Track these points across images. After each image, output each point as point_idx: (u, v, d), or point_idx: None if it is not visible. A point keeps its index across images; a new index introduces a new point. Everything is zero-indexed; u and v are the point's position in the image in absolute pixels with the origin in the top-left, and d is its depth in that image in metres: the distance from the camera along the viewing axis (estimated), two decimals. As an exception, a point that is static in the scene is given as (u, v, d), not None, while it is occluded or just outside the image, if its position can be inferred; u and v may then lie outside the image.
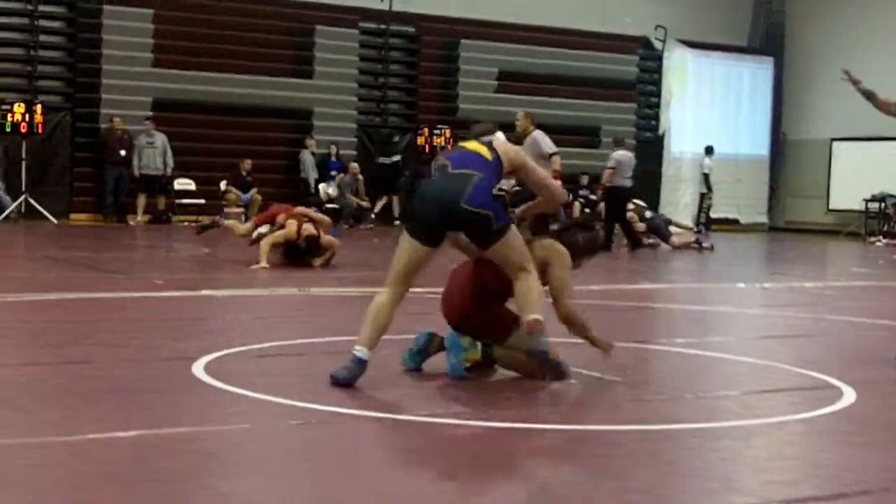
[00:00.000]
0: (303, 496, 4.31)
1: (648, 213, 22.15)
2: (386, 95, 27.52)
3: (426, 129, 26.10)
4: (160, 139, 23.54)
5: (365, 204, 24.94)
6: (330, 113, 25.87)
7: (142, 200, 23.64)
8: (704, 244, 21.47)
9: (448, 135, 26.08)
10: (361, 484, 4.47)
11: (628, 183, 19.79)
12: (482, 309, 6.83)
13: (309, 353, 7.68)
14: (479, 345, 6.85)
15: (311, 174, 25.19)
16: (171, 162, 23.66)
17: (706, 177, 29.05)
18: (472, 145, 6.73)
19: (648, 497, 4.41)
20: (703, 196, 29.29)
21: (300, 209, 14.65)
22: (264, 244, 13.79)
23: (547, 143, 14.18)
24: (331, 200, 24.61)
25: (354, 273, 13.66)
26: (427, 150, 26.05)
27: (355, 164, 25.24)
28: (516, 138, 13.87)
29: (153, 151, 23.54)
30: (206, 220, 14.70)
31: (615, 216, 19.94)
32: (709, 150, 29.41)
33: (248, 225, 14.64)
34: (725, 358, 7.29)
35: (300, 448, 5.12)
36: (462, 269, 7.12)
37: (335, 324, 9.57)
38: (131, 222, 23.35)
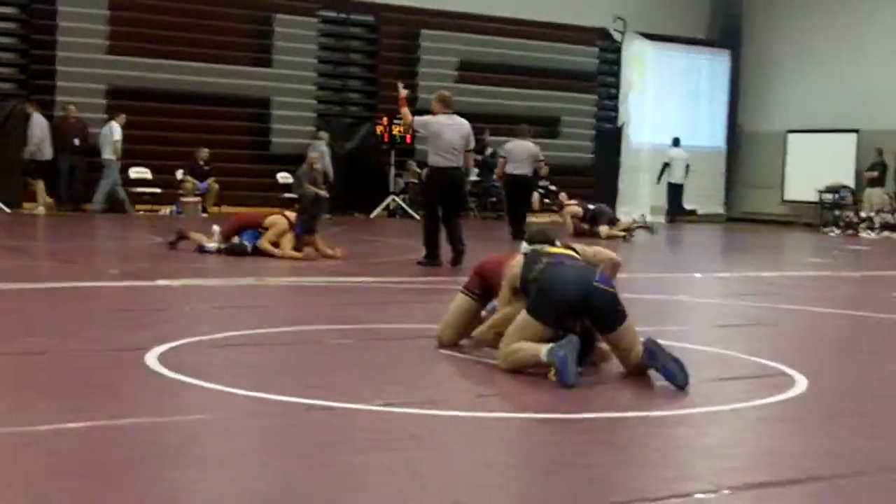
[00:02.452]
0: (260, 486, 4.29)
1: (591, 206, 22.31)
2: (345, 85, 27.45)
3: (386, 119, 26.05)
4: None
5: (323, 193, 24.84)
6: (289, 102, 25.75)
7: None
8: (648, 221, 21.75)
9: (407, 124, 26.04)
10: (319, 473, 4.46)
11: (522, 171, 19.69)
12: None
13: (264, 343, 7.65)
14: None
15: (327, 165, 25.28)
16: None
17: (665, 167, 29.28)
18: (564, 250, 7.09)
19: (603, 484, 4.43)
20: (678, 187, 29.46)
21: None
22: (266, 245, 13.81)
23: (422, 124, 14.30)
24: (288, 190, 24.55)
25: (313, 263, 13.62)
26: (386, 139, 26.01)
27: (314, 154, 25.12)
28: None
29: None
30: (172, 235, 14.40)
31: (514, 204, 19.96)
32: (675, 142, 29.59)
33: (215, 237, 14.39)
34: (681, 346, 7.32)
35: (256, 438, 5.10)
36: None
37: (291, 314, 9.57)
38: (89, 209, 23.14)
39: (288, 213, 14.68)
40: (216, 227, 14.40)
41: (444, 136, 13.78)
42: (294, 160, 24.92)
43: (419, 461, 4.70)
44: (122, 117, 23.50)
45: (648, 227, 21.90)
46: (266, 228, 14.04)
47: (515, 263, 7.10)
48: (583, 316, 6.73)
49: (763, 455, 5.08)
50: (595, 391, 6.41)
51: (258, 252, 13.88)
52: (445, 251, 13.65)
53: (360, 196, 26.25)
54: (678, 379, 6.35)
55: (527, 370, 6.52)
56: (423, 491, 4.28)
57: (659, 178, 29.62)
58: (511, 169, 19.41)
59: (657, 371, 6.45)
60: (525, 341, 6.57)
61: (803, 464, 4.91)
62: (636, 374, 6.64)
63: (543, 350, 6.40)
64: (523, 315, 6.72)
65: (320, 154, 25.17)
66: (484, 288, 7.47)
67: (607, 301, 6.63)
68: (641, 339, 6.61)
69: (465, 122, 14.18)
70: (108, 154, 23.32)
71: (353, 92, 27.61)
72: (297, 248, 13.96)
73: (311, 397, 5.73)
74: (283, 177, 25.13)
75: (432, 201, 14.04)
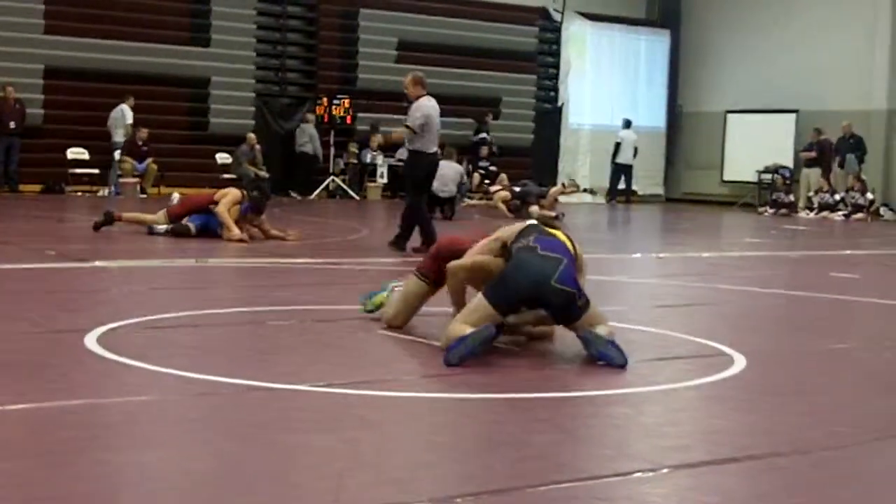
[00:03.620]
0: (200, 466, 4.28)
1: (516, 188, 22.39)
2: (284, 65, 27.30)
3: (325, 99, 25.98)
4: None
5: (262, 174, 24.73)
6: (227, 82, 25.58)
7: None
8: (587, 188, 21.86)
9: (347, 105, 25.98)
10: (259, 453, 4.45)
11: (447, 190, 19.78)
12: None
13: (203, 325, 7.62)
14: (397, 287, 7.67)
15: (317, 147, 25.54)
16: None
17: (618, 147, 29.46)
18: (559, 234, 7.07)
19: (543, 463, 4.45)
20: (626, 167, 29.58)
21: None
22: (224, 215, 13.66)
23: (414, 117, 13.05)
24: (227, 170, 24.41)
25: (253, 244, 13.55)
26: (326, 119, 25.91)
27: (252, 135, 25.00)
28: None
29: None
30: (103, 217, 14.18)
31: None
32: (627, 124, 29.69)
33: (159, 214, 14.22)
34: (620, 327, 7.36)
35: (196, 419, 5.08)
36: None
37: (232, 295, 9.53)
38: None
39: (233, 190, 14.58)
40: (160, 215, 14.26)
41: (434, 121, 13.24)
42: (233, 140, 24.82)
43: (359, 441, 4.70)
44: (131, 99, 23.65)
45: (589, 190, 21.87)
46: (212, 213, 13.88)
47: (516, 226, 7.22)
48: (538, 307, 6.82)
49: (701, 434, 5.13)
50: (536, 371, 6.43)
51: (202, 234, 13.77)
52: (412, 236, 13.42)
53: (299, 177, 26.16)
54: (616, 360, 6.44)
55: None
56: (363, 470, 4.28)
57: (613, 159, 29.68)
58: (437, 187, 18.01)
59: (594, 357, 6.52)
60: (469, 325, 6.58)
61: (741, 442, 4.96)
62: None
63: (468, 330, 6.46)
64: (479, 299, 6.74)
65: (309, 137, 25.18)
66: (439, 272, 7.44)
67: (563, 301, 6.67)
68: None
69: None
70: (118, 137, 23.63)
71: (293, 72, 27.46)
72: (238, 226, 13.87)
73: (252, 378, 5.72)
74: (222, 157, 24.98)
75: (423, 186, 13.46)
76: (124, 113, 23.67)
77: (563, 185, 23.22)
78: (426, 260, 7.67)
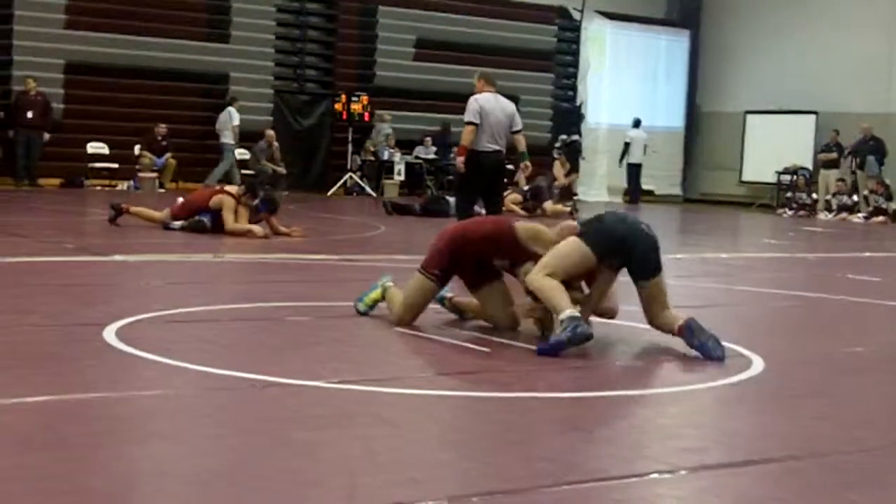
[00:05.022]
0: (214, 461, 4.28)
1: (525, 188, 22.35)
2: (303, 61, 27.31)
3: (344, 96, 25.98)
4: None
5: (280, 170, 24.75)
6: (246, 78, 25.61)
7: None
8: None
9: (365, 102, 25.97)
10: (273, 450, 4.45)
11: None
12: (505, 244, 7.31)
13: (221, 320, 7.62)
14: (385, 283, 7.67)
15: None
16: None
17: (627, 147, 29.38)
18: None
19: (558, 465, 4.44)
20: (637, 167, 29.53)
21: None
22: (236, 227, 13.69)
23: (471, 110, 12.50)
24: (245, 166, 24.45)
25: (271, 240, 13.57)
26: (344, 116, 25.92)
27: (270, 131, 25.03)
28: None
29: None
30: (111, 211, 14.17)
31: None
32: (636, 123, 29.63)
33: (164, 213, 14.26)
34: (637, 327, 7.35)
35: (212, 414, 5.08)
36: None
37: (249, 290, 9.53)
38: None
39: (229, 188, 14.59)
40: (167, 211, 14.27)
41: (493, 117, 12.60)
42: (251, 137, 24.82)
43: (374, 438, 4.69)
44: (238, 103, 24.31)
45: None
46: (216, 211, 13.88)
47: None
48: (623, 258, 6.96)
49: (719, 436, 5.12)
50: (552, 370, 6.42)
51: (217, 229, 13.80)
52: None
53: (317, 173, 26.19)
54: (714, 353, 6.66)
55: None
56: (377, 468, 4.27)
57: (621, 159, 29.69)
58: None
59: (694, 347, 6.71)
60: (558, 278, 6.71)
61: (758, 445, 4.94)
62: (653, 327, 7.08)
63: (567, 311, 6.53)
64: (574, 241, 6.86)
65: (385, 137, 25.40)
66: (449, 265, 7.41)
67: (651, 247, 6.99)
68: (682, 317, 6.90)
69: (509, 102, 13.12)
70: (227, 138, 24.17)
71: (311, 69, 27.48)
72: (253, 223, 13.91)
73: (267, 374, 5.72)
74: (241, 153, 25.00)
75: (473, 187, 12.64)
76: (231, 115, 24.19)
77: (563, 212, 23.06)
78: (433, 256, 7.55)
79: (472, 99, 12.65)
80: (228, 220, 13.79)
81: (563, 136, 27.13)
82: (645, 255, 6.97)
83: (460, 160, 12.44)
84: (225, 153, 24.30)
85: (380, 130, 26.76)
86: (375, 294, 7.77)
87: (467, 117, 12.46)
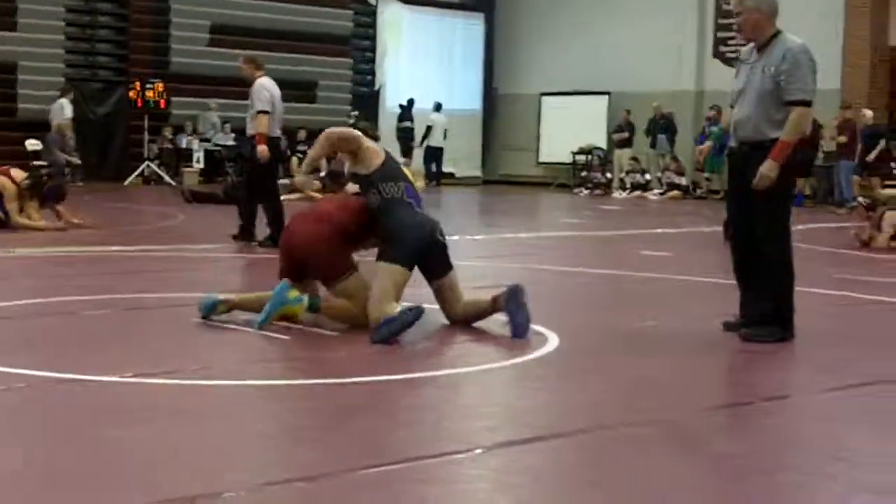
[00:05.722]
0: (6, 463, 4.18)
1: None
2: (94, 48, 26.70)
3: (138, 83, 25.47)
4: None
5: (74, 160, 24.15)
6: (36, 67, 24.88)
7: None
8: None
9: (161, 88, 25.52)
10: (68, 448, 4.38)
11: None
12: (332, 247, 7.03)
13: (13, 317, 7.43)
14: (305, 300, 7.03)
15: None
16: None
17: (428, 130, 29.59)
18: (409, 175, 7.47)
19: (359, 447, 4.48)
20: (438, 150, 29.75)
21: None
22: (22, 221, 13.28)
23: (262, 99, 12.32)
24: (38, 156, 23.79)
25: (67, 233, 13.26)
26: (140, 104, 25.43)
27: (64, 121, 24.38)
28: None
29: None
30: None
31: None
32: (437, 107, 29.84)
33: None
34: (434, 308, 7.43)
35: (4, 414, 4.96)
36: (311, 212, 7.34)
37: (42, 285, 9.30)
38: None
39: (14, 171, 14.07)
40: None
41: (278, 103, 12.56)
42: (42, 126, 24.13)
43: (174, 432, 4.66)
44: (70, 94, 24.10)
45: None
46: None
47: (372, 145, 7.38)
48: (421, 263, 7.12)
49: (513, 413, 5.23)
50: (351, 355, 6.46)
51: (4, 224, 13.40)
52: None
53: (114, 163, 25.66)
54: (520, 330, 6.86)
55: None
56: (177, 462, 4.25)
57: (422, 142, 29.90)
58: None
59: (509, 315, 6.91)
60: (393, 302, 6.81)
61: (549, 420, 5.08)
62: (459, 322, 7.23)
63: (397, 308, 6.67)
64: (390, 269, 6.92)
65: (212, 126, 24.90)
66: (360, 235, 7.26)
67: (443, 250, 7.21)
68: (508, 283, 7.13)
69: None
70: None
71: (104, 56, 26.89)
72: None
73: (62, 370, 5.61)
74: (32, 143, 24.29)
75: (271, 174, 12.58)
76: (63, 107, 23.77)
77: None
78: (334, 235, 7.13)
79: (260, 86, 12.49)
80: (13, 211, 13.38)
81: (355, 113, 27.18)
82: (442, 258, 7.22)
83: (263, 149, 12.25)
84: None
85: (207, 119, 26.49)
86: (287, 310, 7.07)
87: (260, 105, 12.33)
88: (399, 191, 7.17)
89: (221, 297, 7.26)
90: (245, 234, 12.47)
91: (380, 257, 7.04)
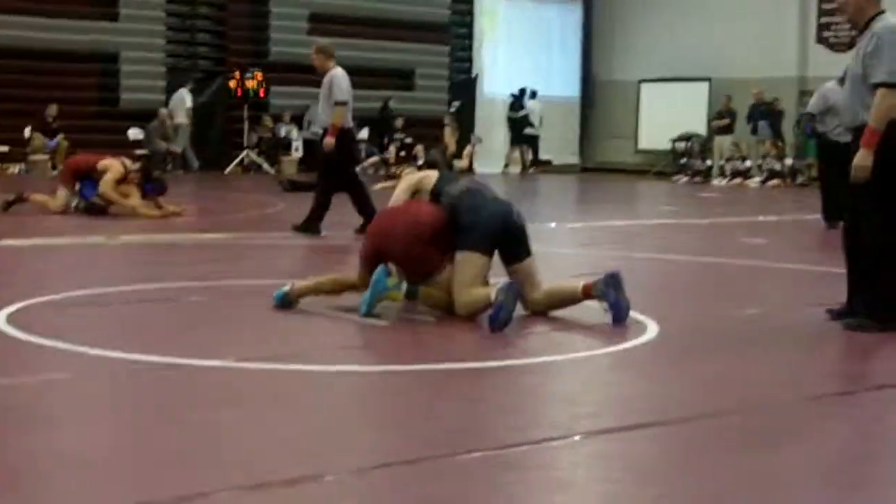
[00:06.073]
0: (109, 445, 4.23)
1: (419, 162, 22.39)
2: (194, 38, 26.99)
3: (238, 72, 25.72)
4: None
5: (175, 149, 24.49)
6: (137, 57, 25.23)
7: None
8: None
9: (260, 78, 25.73)
10: (171, 431, 4.42)
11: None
12: (427, 248, 7.00)
13: (116, 302, 7.53)
14: (403, 287, 7.00)
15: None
16: None
17: (524, 119, 29.56)
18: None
19: (456, 433, 4.47)
20: (534, 138, 29.73)
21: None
22: (111, 193, 13.47)
23: (342, 89, 12.18)
24: (139, 146, 24.16)
25: (167, 221, 13.43)
26: (239, 93, 25.67)
27: (164, 110, 24.73)
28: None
29: None
30: (9, 195, 13.89)
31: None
32: (532, 94, 29.79)
33: (61, 198, 13.94)
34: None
35: (107, 397, 5.04)
36: (397, 211, 7.35)
37: (143, 272, 9.41)
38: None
39: (125, 160, 14.28)
40: (61, 192, 14.01)
41: (350, 94, 12.37)
42: (144, 116, 24.51)
43: (272, 416, 4.68)
44: (191, 85, 25.35)
45: (477, 138, 21.74)
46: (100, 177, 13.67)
47: (429, 175, 7.48)
48: (499, 247, 7.06)
49: (613, 401, 5.18)
50: (448, 341, 6.45)
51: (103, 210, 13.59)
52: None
53: (213, 152, 25.94)
54: (622, 314, 6.83)
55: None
56: (276, 445, 4.27)
57: (520, 130, 29.83)
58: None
59: (607, 301, 6.85)
60: (480, 286, 6.78)
61: (650, 408, 5.01)
62: (536, 312, 7.08)
63: (493, 292, 6.57)
64: (468, 257, 6.87)
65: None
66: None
67: (521, 235, 7.12)
68: (603, 272, 7.03)
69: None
70: (180, 118, 24.89)
71: (203, 45, 27.19)
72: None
73: (164, 354, 5.67)
74: (134, 132, 24.67)
75: (344, 168, 12.36)
76: (184, 97, 24.98)
77: (472, 142, 23.00)
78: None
79: (339, 76, 12.31)
80: (108, 183, 13.55)
81: (456, 103, 27.26)
82: (521, 241, 7.14)
83: (331, 141, 12.11)
84: (179, 134, 24.81)
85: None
86: (388, 296, 7.02)
87: (341, 96, 12.17)
88: (464, 185, 7.27)
89: (286, 287, 7.19)
90: (310, 227, 12.22)
91: (459, 248, 6.98)
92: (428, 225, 7.01)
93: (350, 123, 12.47)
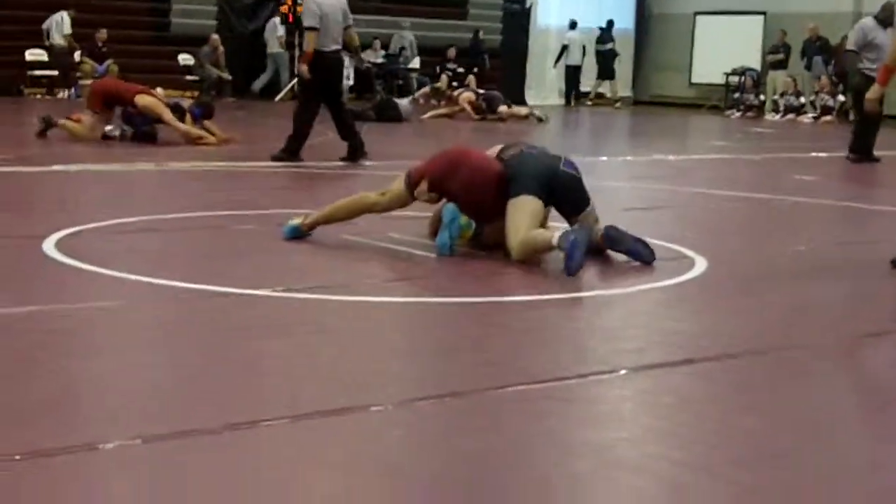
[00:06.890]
0: (156, 374, 4.25)
1: (481, 91, 22.19)
2: (247, -38, 26.87)
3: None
4: None
5: (225, 76, 24.46)
6: (187, -19, 25.19)
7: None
8: (537, 113, 21.56)
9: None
10: (216, 360, 4.44)
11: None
12: (484, 190, 6.87)
13: (164, 230, 7.56)
14: (473, 224, 7.04)
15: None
16: None
17: (564, 49, 29.29)
18: None
19: (500, 368, 4.45)
20: (576, 69, 29.47)
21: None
22: (179, 125, 13.54)
23: (310, 13, 12.04)
24: (190, 72, 24.15)
25: (217, 149, 13.45)
26: (291, 19, 25.53)
27: (216, 36, 24.66)
28: None
29: None
30: (40, 122, 13.84)
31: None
32: (573, 25, 29.47)
33: (88, 123, 13.88)
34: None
35: (153, 325, 5.05)
36: (470, 152, 7.21)
37: (192, 200, 9.43)
38: None
39: (157, 90, 14.27)
40: (87, 118, 13.95)
41: (332, 17, 12.26)
42: (195, 41, 24.44)
43: (318, 347, 4.69)
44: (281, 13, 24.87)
45: (541, 119, 21.61)
46: (140, 110, 13.66)
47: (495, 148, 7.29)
48: (552, 200, 6.91)
49: (659, 336, 5.14)
50: (496, 276, 6.42)
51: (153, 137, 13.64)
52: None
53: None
54: (646, 257, 6.68)
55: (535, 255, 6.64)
56: (322, 376, 4.27)
57: (556, 62, 29.61)
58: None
59: (623, 253, 6.73)
60: (537, 228, 6.66)
61: (697, 343, 4.98)
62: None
63: (556, 235, 6.40)
64: (521, 200, 6.73)
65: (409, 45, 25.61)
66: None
67: (573, 185, 6.94)
68: (601, 226, 6.87)
69: None
70: (273, 48, 25.35)
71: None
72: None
73: (211, 283, 5.68)
74: (185, 58, 24.65)
75: (319, 92, 12.36)
76: (276, 25, 25.25)
77: (531, 112, 22.60)
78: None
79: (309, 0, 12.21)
80: (176, 122, 13.63)
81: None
82: (572, 194, 6.98)
83: (304, 67, 12.13)
84: (269, 63, 25.27)
85: (404, 38, 26.68)
86: (465, 233, 7.09)
87: (308, 21, 12.12)
88: (520, 148, 7.11)
89: (297, 220, 7.16)
90: (289, 154, 12.30)
91: (511, 195, 6.87)
92: (494, 172, 6.93)
93: (330, 48, 12.23)
